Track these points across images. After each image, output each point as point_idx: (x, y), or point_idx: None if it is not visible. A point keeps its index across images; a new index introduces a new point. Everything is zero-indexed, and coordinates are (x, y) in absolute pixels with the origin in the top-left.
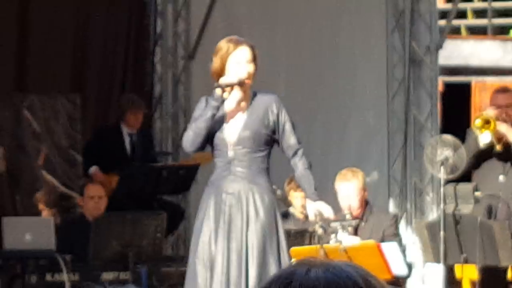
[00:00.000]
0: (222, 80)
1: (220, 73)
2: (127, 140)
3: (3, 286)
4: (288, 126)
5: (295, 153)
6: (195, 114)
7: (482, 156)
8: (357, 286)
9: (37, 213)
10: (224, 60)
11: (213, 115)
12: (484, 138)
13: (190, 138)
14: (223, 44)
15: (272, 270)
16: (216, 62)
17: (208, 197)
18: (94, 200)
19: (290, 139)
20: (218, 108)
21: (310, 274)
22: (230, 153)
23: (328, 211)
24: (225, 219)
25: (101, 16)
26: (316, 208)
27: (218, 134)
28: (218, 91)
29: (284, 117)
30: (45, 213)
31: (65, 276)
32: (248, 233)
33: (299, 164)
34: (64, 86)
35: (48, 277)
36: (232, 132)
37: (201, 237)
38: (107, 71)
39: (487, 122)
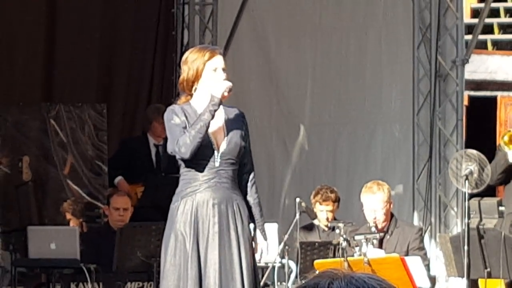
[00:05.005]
0: (219, 87)
1: (194, 80)
2: (153, 151)
3: None
4: (248, 144)
5: (250, 174)
6: (175, 122)
7: None
8: None
9: (63, 222)
10: (200, 67)
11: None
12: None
13: (189, 143)
14: (196, 52)
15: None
16: (190, 69)
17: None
18: (119, 212)
19: (248, 157)
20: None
21: (333, 286)
22: (216, 163)
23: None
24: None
25: (128, 27)
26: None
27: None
28: (217, 96)
29: (248, 133)
30: (73, 222)
31: (89, 286)
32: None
33: (253, 189)
34: (90, 97)
35: (73, 286)
36: (219, 142)
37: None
38: (133, 82)
39: None
